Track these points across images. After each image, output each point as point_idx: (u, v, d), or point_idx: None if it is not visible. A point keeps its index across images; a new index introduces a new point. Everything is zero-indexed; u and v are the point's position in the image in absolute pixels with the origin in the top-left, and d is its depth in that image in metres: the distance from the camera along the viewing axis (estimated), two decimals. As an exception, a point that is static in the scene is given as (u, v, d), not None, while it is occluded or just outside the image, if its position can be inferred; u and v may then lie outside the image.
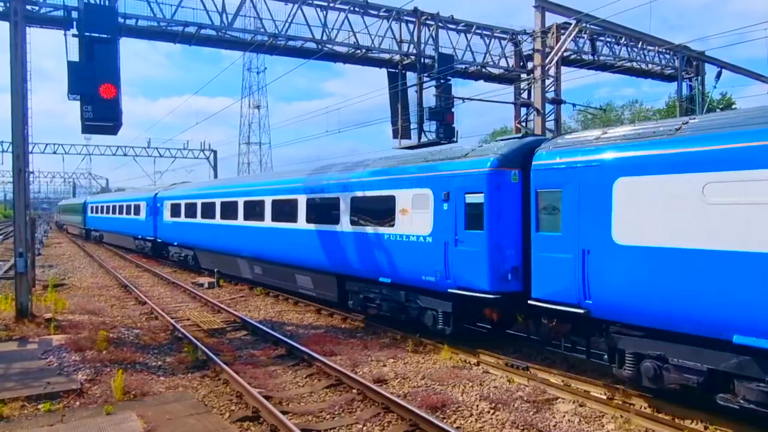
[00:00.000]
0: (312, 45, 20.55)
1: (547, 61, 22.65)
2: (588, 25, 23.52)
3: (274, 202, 17.61)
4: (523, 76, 24.97)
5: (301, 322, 15.14)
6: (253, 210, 18.81)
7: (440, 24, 22.73)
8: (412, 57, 22.23)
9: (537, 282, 9.47)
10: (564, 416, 8.14)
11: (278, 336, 12.58)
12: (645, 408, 8.24)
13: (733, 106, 40.39)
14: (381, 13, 21.50)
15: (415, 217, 11.84)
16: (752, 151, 6.81)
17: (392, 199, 12.51)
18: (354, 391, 9.11)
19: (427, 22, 22.51)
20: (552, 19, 23.06)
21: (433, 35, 22.62)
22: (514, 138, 11.40)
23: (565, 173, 9.02)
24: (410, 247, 11.90)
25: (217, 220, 21.62)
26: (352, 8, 20.77)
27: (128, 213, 35.45)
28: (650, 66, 27.70)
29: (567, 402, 8.69)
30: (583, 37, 24.89)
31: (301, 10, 19.96)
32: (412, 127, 22.73)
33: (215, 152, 55.85)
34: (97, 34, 13.87)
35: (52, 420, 7.66)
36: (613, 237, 8.19)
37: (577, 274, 8.66)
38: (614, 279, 8.18)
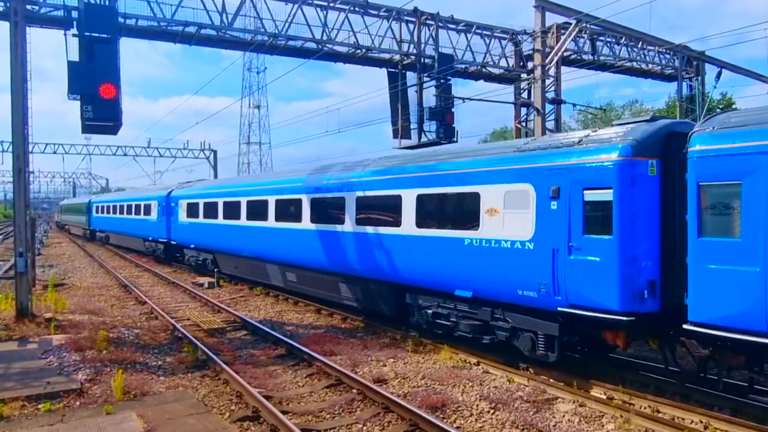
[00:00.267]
0: (312, 45, 20.56)
1: (547, 61, 22.65)
2: (588, 25, 23.52)
3: (314, 202, 15.62)
4: (523, 76, 24.97)
5: (301, 322, 15.14)
6: (287, 210, 16.87)
7: (440, 24, 22.73)
8: (412, 57, 22.23)
9: (698, 302, 7.53)
10: (564, 416, 8.14)
11: (278, 336, 12.58)
12: (645, 408, 8.24)
13: (733, 106, 40.41)
14: (381, 13, 21.51)
15: (508, 218, 9.76)
16: None
17: (475, 197, 10.42)
18: (354, 390, 9.11)
19: (427, 22, 22.51)
20: (552, 19, 23.07)
21: (433, 35, 22.62)
22: (639, 121, 9.09)
23: (747, 160, 7.11)
24: (501, 254, 9.80)
25: (243, 221, 19.45)
26: (352, 8, 20.77)
27: (137, 213, 33.27)
28: (650, 66, 27.71)
29: (567, 402, 8.69)
30: (583, 37, 24.89)
31: (301, 10, 19.96)
32: (412, 127, 22.74)
33: (215, 152, 55.89)
34: (97, 34, 13.87)
35: (52, 420, 7.66)
36: None
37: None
38: None
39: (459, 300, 10.92)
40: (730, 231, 7.30)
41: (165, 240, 28.54)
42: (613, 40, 25.89)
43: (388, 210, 12.84)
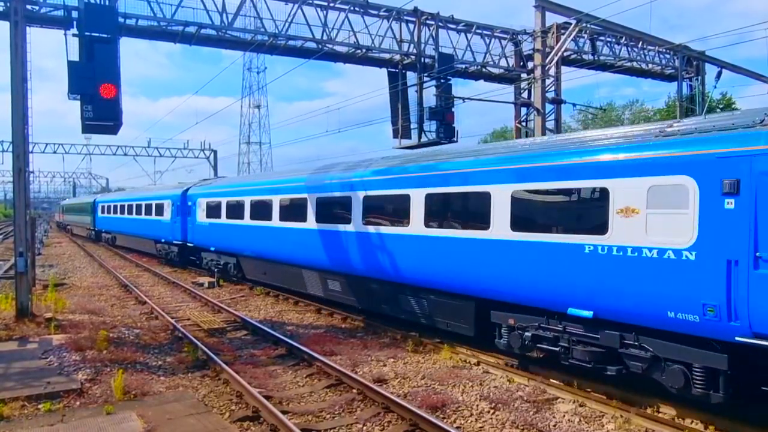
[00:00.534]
0: (312, 45, 20.58)
1: (547, 60, 22.66)
2: (588, 25, 23.53)
3: (367, 200, 13.48)
4: (523, 75, 24.99)
5: (301, 322, 15.14)
6: (330, 211, 14.96)
7: (440, 24, 22.74)
8: (412, 57, 22.25)
9: None
10: (564, 416, 8.14)
11: (278, 336, 12.58)
12: (645, 408, 8.24)
13: (733, 106, 40.41)
14: (381, 13, 21.53)
15: (653, 220, 7.69)
16: None
17: (603, 193, 8.33)
18: (354, 390, 9.11)
19: (427, 21, 22.53)
20: (552, 18, 23.11)
21: (433, 35, 22.64)
22: None
23: None
24: (641, 266, 7.74)
25: (275, 222, 17.43)
26: (352, 8, 20.79)
27: (148, 213, 30.98)
28: (650, 66, 27.73)
29: (567, 402, 8.70)
30: (583, 37, 24.91)
31: (301, 10, 19.98)
32: (412, 126, 22.76)
33: (215, 152, 55.95)
34: (97, 34, 13.91)
35: (53, 420, 7.66)
36: None
37: None
38: None
39: (571, 320, 8.84)
40: None
41: (180, 242, 26.32)
42: (613, 40, 25.92)
43: (473, 209, 10.64)
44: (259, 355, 11.60)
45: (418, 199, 11.73)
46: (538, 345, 9.52)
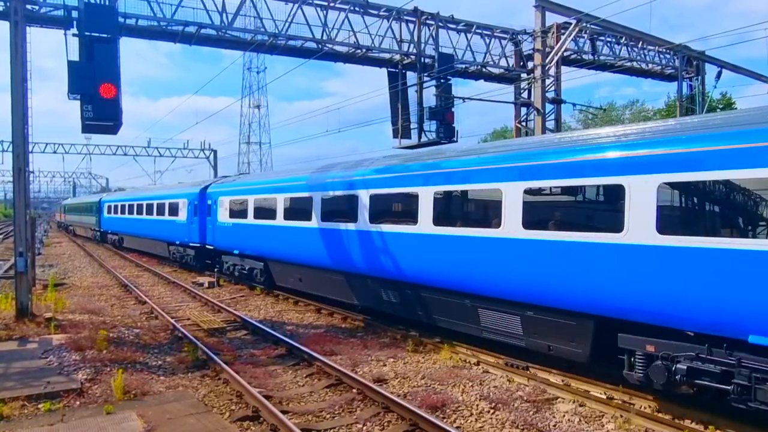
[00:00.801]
0: (312, 45, 20.60)
1: (547, 60, 22.66)
2: (588, 25, 23.54)
3: (440, 198, 11.32)
4: (523, 75, 24.99)
5: (301, 322, 15.14)
6: (388, 209, 13.04)
7: (440, 24, 22.75)
8: (412, 57, 22.26)
9: None
10: (564, 416, 8.14)
11: (278, 336, 12.58)
12: (645, 408, 8.24)
13: (733, 106, 40.39)
14: (381, 13, 21.54)
15: None
16: None
17: None
18: (354, 390, 9.11)
19: (427, 21, 22.54)
20: (552, 18, 23.11)
21: (433, 35, 22.66)
22: None
23: None
24: None
25: (316, 222, 15.34)
26: (352, 8, 20.80)
27: (160, 213, 28.94)
28: (650, 66, 27.74)
29: (567, 402, 8.69)
30: (584, 37, 24.92)
31: (301, 10, 19.99)
32: (412, 126, 22.78)
33: (215, 152, 55.99)
34: (97, 34, 13.91)
35: (53, 419, 7.66)
36: None
37: None
38: None
39: (748, 350, 6.89)
40: None
41: (197, 244, 24.36)
42: (613, 39, 25.94)
43: (599, 207, 8.91)
44: (259, 354, 11.60)
45: (513, 195, 9.57)
46: (696, 380, 7.44)
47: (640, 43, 26.57)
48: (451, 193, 11.31)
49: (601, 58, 25.42)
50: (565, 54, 24.02)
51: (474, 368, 10.54)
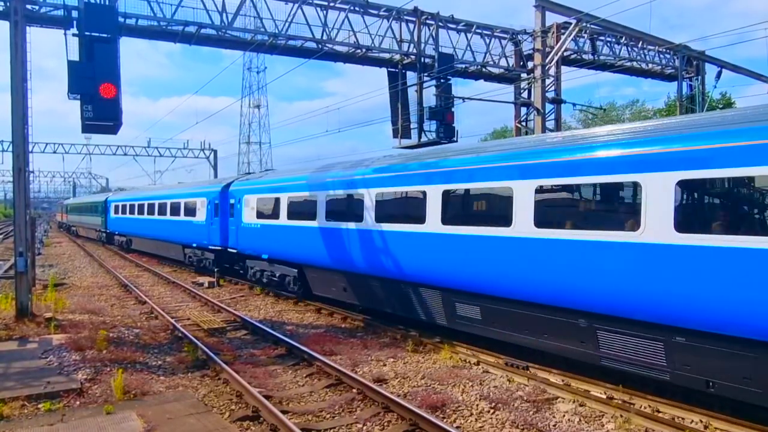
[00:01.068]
0: (312, 44, 20.61)
1: (547, 60, 22.66)
2: (588, 25, 23.55)
3: (543, 199, 9.42)
4: (523, 75, 25.01)
5: (301, 322, 15.14)
6: (468, 209, 11.06)
7: (440, 23, 22.76)
8: (412, 57, 22.27)
9: None
10: (564, 416, 8.14)
11: (278, 335, 12.58)
12: (645, 408, 8.24)
13: (733, 106, 40.40)
14: (381, 13, 21.55)
15: None
16: None
17: None
18: (354, 390, 9.11)
19: (427, 21, 22.55)
20: (552, 18, 23.12)
21: (433, 35, 22.67)
22: None
23: None
24: None
25: (370, 224, 13.13)
26: (352, 8, 20.81)
27: (175, 213, 27.03)
28: (650, 66, 27.76)
29: (567, 402, 8.69)
30: (584, 37, 24.93)
31: (301, 10, 20.00)
32: (412, 126, 22.79)
33: (215, 152, 56.01)
34: (97, 34, 13.91)
35: (52, 419, 7.66)
36: None
37: None
38: None
39: None
40: None
41: (218, 247, 22.47)
42: (614, 39, 25.96)
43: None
44: (259, 354, 11.60)
45: (660, 186, 7.74)
46: None
47: (640, 43, 26.58)
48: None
49: (601, 58, 25.43)
50: (565, 54, 24.02)
51: (474, 368, 10.54)
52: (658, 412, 8.10)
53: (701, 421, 7.63)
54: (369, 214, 13.31)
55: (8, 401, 8.18)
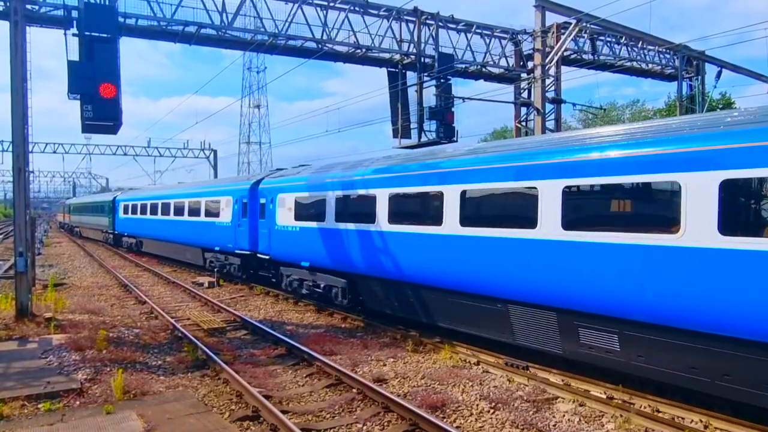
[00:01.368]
0: (312, 44, 20.63)
1: (547, 60, 22.67)
2: (588, 25, 23.56)
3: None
4: (523, 75, 25.01)
5: (301, 322, 15.14)
6: (603, 208, 8.88)
7: (440, 23, 22.76)
8: (412, 56, 22.27)
9: None
10: (564, 416, 8.13)
11: (278, 335, 12.58)
12: (645, 407, 8.24)
13: (733, 106, 40.40)
14: (381, 13, 21.56)
15: None
16: None
17: None
18: (354, 390, 9.11)
19: (427, 21, 22.56)
20: (552, 18, 23.13)
21: (433, 35, 22.67)
22: None
23: None
24: None
25: (451, 227, 10.94)
26: (352, 8, 20.82)
27: (194, 214, 24.82)
28: (650, 66, 27.77)
29: (567, 401, 8.69)
30: (584, 37, 24.94)
31: (301, 10, 20.01)
32: (412, 126, 22.80)
33: (215, 152, 56.04)
34: (97, 34, 13.92)
35: (52, 419, 7.66)
36: None
37: None
38: None
39: None
40: None
41: (246, 252, 20.31)
42: (613, 39, 25.97)
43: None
44: (258, 354, 11.60)
45: None
46: None
47: (640, 43, 26.59)
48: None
49: (601, 58, 25.44)
50: (565, 54, 24.03)
51: (474, 368, 10.54)
52: (658, 412, 8.10)
53: (701, 421, 7.63)
54: (452, 218, 11.05)
55: (8, 401, 8.18)
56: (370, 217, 13.33)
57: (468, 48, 23.64)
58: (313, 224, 15.71)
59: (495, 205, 10.59)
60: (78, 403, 8.40)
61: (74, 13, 15.31)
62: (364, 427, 7.77)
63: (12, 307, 14.28)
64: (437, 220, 11.34)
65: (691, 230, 7.25)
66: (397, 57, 22.36)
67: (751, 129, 6.91)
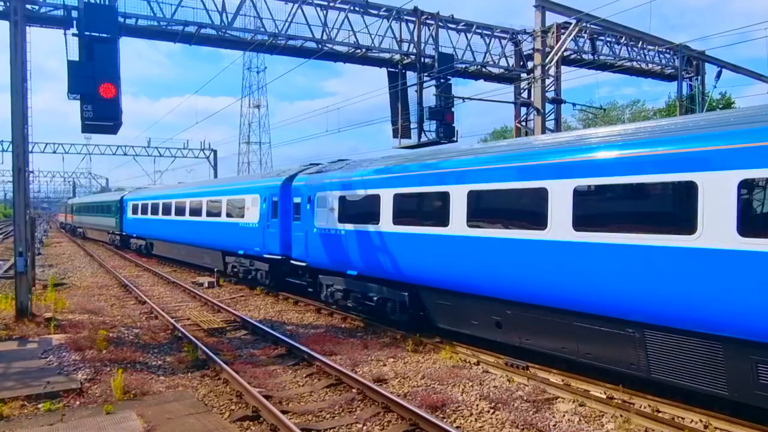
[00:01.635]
0: (312, 44, 20.62)
1: (547, 60, 22.68)
2: (588, 25, 23.56)
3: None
4: (523, 75, 25.01)
5: (301, 322, 15.14)
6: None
7: (440, 23, 22.76)
8: (412, 56, 22.27)
9: None
10: (564, 416, 8.13)
11: (278, 335, 12.58)
12: (645, 407, 8.24)
13: (733, 106, 40.40)
14: (381, 13, 21.56)
15: None
16: None
17: None
18: (354, 390, 9.11)
19: (427, 21, 22.56)
20: (552, 18, 23.16)
21: (433, 35, 22.67)
22: None
23: None
24: None
25: (564, 233, 8.81)
26: (352, 8, 20.82)
27: (214, 214, 22.80)
28: (650, 66, 27.77)
29: (567, 401, 8.69)
30: (584, 37, 24.94)
31: (301, 10, 20.00)
32: (412, 126, 22.80)
33: (215, 152, 55.98)
34: (97, 34, 13.90)
35: (52, 419, 7.66)
36: None
37: None
38: None
39: None
40: None
41: (277, 256, 18.13)
42: (614, 39, 25.96)
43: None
44: (258, 354, 11.60)
45: None
46: None
47: (640, 43, 26.58)
48: None
49: (601, 58, 25.44)
50: (565, 54, 24.03)
51: (474, 368, 10.54)
52: (658, 412, 8.10)
53: (701, 421, 7.63)
54: (564, 220, 8.85)
55: (8, 401, 8.18)
56: (442, 219, 11.16)
57: (468, 48, 23.64)
58: (364, 226, 13.57)
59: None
60: (78, 403, 8.40)
61: (74, 13, 15.29)
62: (364, 427, 7.77)
63: (12, 307, 14.28)
64: (541, 223, 9.16)
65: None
66: (397, 57, 22.36)
67: None
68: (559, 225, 8.92)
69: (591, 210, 8.62)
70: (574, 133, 10.71)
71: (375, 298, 13.63)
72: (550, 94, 23.59)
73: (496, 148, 11.42)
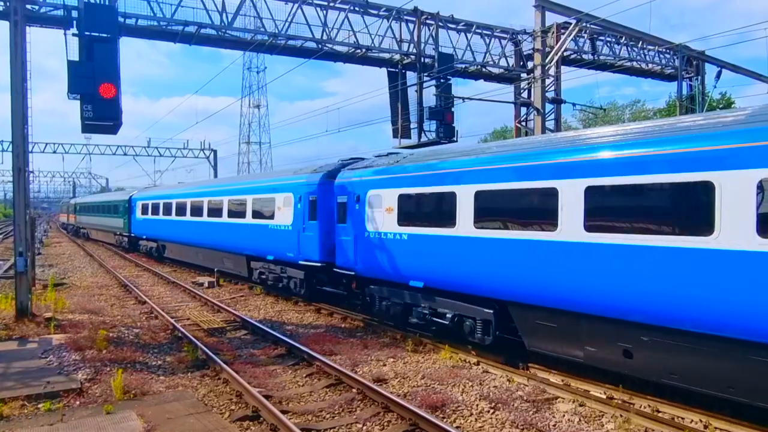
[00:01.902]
0: (312, 44, 20.63)
1: (547, 60, 22.68)
2: (588, 25, 23.57)
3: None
4: (523, 75, 25.01)
5: (300, 322, 15.14)
6: None
7: (440, 23, 22.76)
8: (412, 56, 22.27)
9: None
10: (564, 416, 8.13)
11: (278, 335, 12.58)
12: (645, 407, 8.24)
13: (733, 106, 40.42)
14: (381, 13, 21.56)
15: None
16: None
17: None
18: (354, 390, 9.11)
19: (427, 21, 22.56)
20: (552, 18, 23.16)
21: (433, 35, 22.67)
22: None
23: None
24: None
25: (727, 240, 6.97)
26: (352, 8, 20.82)
27: (236, 215, 20.59)
28: (650, 66, 27.77)
29: (567, 401, 8.69)
30: (584, 37, 24.94)
31: (301, 10, 20.00)
32: (412, 126, 22.81)
33: (215, 152, 55.97)
34: (97, 34, 13.89)
35: (52, 419, 7.66)
36: None
37: None
38: None
39: None
40: None
41: (314, 263, 16.16)
42: (614, 39, 25.97)
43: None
44: (258, 354, 11.60)
45: None
46: None
47: (640, 43, 26.59)
48: None
49: (601, 58, 25.44)
50: (565, 54, 24.03)
51: (474, 368, 10.54)
52: (658, 412, 8.10)
53: (701, 421, 7.63)
54: (727, 221, 7.21)
55: (8, 401, 8.18)
56: (550, 220, 9.15)
57: (468, 48, 23.64)
58: (435, 231, 11.63)
59: None
60: (78, 403, 8.40)
61: (74, 13, 15.28)
62: (364, 427, 7.77)
63: (12, 307, 14.28)
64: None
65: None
66: (397, 57, 22.36)
67: None
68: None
69: None
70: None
71: (449, 316, 11.64)
72: (550, 94, 23.59)
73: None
